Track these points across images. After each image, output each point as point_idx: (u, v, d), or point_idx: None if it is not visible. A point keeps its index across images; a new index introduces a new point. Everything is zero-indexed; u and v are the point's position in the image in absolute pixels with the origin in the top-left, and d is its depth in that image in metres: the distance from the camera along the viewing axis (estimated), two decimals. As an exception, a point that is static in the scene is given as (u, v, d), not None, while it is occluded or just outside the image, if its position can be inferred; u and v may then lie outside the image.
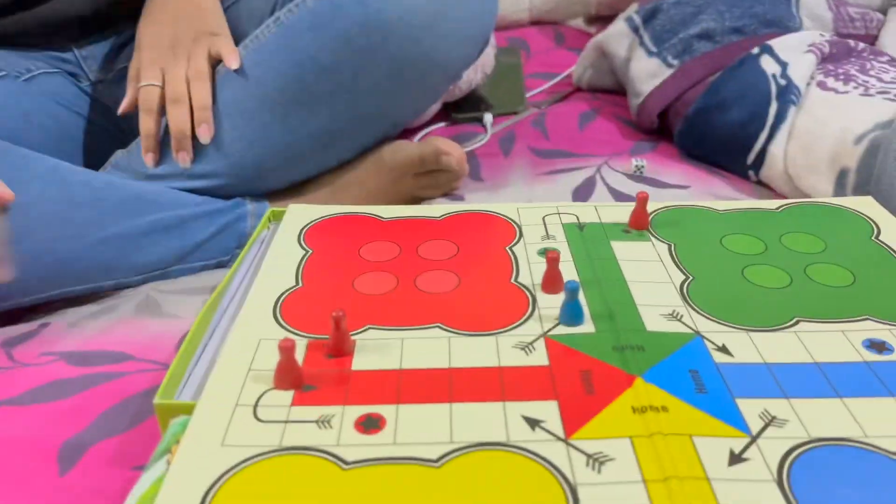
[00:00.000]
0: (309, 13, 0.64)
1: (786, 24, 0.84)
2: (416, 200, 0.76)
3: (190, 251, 0.66)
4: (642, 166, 0.75)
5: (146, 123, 0.66)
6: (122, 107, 0.67)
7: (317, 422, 0.37)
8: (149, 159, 0.67)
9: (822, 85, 0.73)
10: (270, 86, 0.66)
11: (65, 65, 0.76)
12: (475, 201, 0.73)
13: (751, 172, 0.74)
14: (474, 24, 0.68)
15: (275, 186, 0.71)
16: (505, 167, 0.79)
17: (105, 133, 0.78)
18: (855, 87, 0.72)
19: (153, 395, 0.48)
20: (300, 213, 0.58)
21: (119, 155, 0.72)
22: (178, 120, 0.65)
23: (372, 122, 0.70)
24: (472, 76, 0.89)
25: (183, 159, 0.66)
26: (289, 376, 0.39)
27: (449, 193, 0.76)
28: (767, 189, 0.74)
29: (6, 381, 0.51)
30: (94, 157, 0.75)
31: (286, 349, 0.39)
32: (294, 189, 0.74)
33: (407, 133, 0.88)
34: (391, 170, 0.72)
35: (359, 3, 0.63)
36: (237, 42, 0.70)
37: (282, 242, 0.54)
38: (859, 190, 0.65)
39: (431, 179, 0.74)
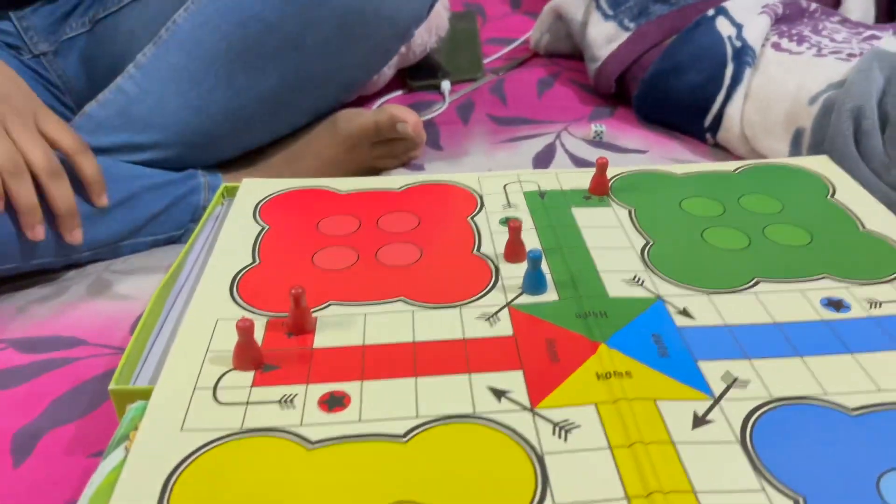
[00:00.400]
0: None
1: (740, -15, 0.84)
2: (374, 171, 0.74)
3: (141, 225, 0.64)
4: (601, 132, 0.74)
5: (16, 195, 0.54)
6: None
7: (279, 402, 0.37)
8: (36, 234, 0.56)
9: (776, 46, 0.73)
10: (214, 48, 0.64)
11: (5, 36, 0.73)
12: (435, 171, 0.73)
13: (708, 135, 0.75)
14: None
15: (227, 155, 0.69)
16: (464, 135, 0.78)
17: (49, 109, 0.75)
18: (808, 48, 0.72)
19: (108, 380, 0.46)
20: (255, 188, 0.56)
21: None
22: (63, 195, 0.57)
23: (322, 83, 0.69)
24: (426, 39, 0.88)
25: (36, 234, 0.56)
26: (248, 356, 0.38)
27: (408, 163, 0.75)
28: (725, 151, 0.74)
29: (-47, 371, 0.49)
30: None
31: (244, 329, 0.38)
32: (247, 159, 0.72)
33: (363, 102, 0.87)
34: (346, 138, 0.71)
35: None
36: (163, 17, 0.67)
37: (237, 218, 0.52)
38: (814, 150, 0.66)
39: (388, 148, 0.73)
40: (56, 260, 0.60)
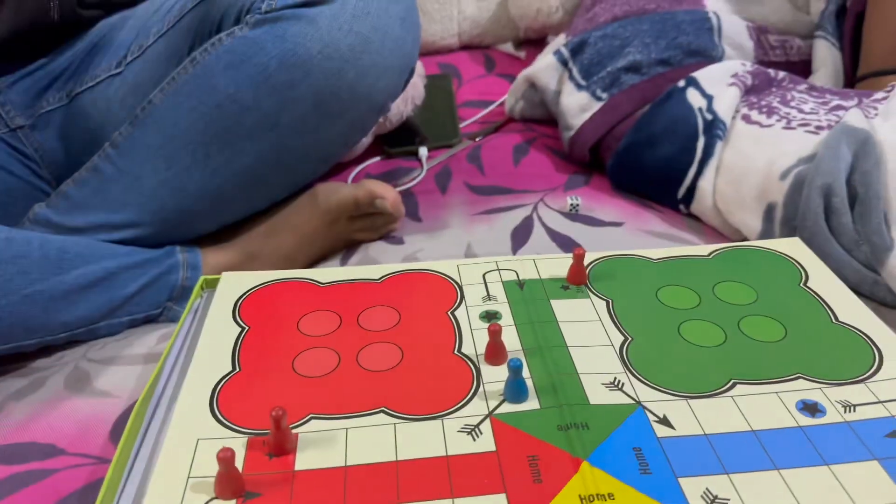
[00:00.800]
0: (225, 52, 0.63)
1: (709, 54, 0.86)
2: (353, 243, 0.75)
3: (118, 305, 0.63)
4: (577, 205, 0.75)
5: None
6: None
7: (262, 536, 0.36)
8: None
9: (746, 118, 0.75)
10: (190, 128, 0.64)
11: None
12: (415, 244, 0.73)
13: (681, 206, 0.76)
14: (397, 55, 0.67)
15: (204, 231, 0.69)
16: (442, 206, 0.79)
17: (23, 183, 0.75)
18: (778, 120, 0.74)
19: (88, 494, 0.46)
20: (234, 283, 0.56)
21: (38, 209, 0.69)
22: None
23: (299, 159, 0.69)
24: (403, 108, 0.88)
25: None
26: (230, 486, 0.38)
27: (386, 236, 0.75)
28: (699, 221, 0.75)
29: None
30: (13, 210, 0.71)
31: (225, 460, 0.38)
32: (226, 233, 0.72)
33: (340, 168, 0.87)
34: (325, 212, 0.71)
35: (277, 38, 0.61)
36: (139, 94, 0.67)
37: (216, 319, 0.52)
38: (786, 224, 0.67)
39: (367, 222, 0.73)
40: (32, 342, 0.60)
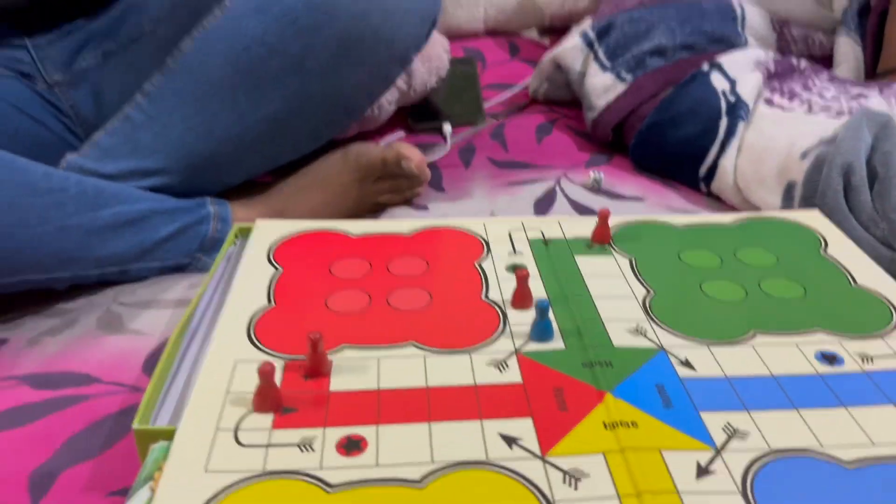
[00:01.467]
0: None
1: (733, 42, 0.87)
2: (379, 207, 0.76)
3: (149, 248, 0.65)
4: (599, 179, 0.77)
5: None
6: None
7: (298, 445, 0.38)
8: None
9: (768, 102, 0.77)
10: (217, 73, 0.66)
11: (21, 65, 0.74)
12: (439, 212, 0.75)
13: (702, 185, 0.77)
14: (419, 1, 0.69)
15: (232, 181, 0.71)
16: (466, 178, 0.80)
17: (57, 138, 0.77)
18: (800, 105, 0.75)
19: (123, 418, 0.48)
20: (267, 230, 0.58)
21: (70, 157, 0.71)
22: None
23: (323, 106, 0.70)
24: (426, 78, 0.90)
25: None
26: (268, 400, 0.40)
27: (411, 202, 0.77)
28: (718, 201, 0.77)
29: (-35, 408, 0.50)
30: (45, 163, 0.74)
31: (266, 373, 0.39)
32: (256, 190, 0.74)
33: (365, 138, 0.88)
34: (354, 170, 0.73)
35: None
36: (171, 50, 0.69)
37: (251, 261, 0.54)
38: (805, 202, 0.68)
39: (393, 184, 0.75)
40: (65, 275, 0.61)
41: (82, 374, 0.53)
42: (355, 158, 0.74)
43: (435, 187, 0.79)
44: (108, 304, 0.62)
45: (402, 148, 0.74)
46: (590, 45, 0.88)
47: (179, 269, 0.68)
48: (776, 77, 0.80)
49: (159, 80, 0.70)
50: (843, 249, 0.56)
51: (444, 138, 0.88)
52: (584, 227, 0.59)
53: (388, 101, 0.87)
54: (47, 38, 0.77)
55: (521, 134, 0.88)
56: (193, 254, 0.68)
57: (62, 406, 0.49)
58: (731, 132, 0.75)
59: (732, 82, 0.78)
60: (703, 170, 0.76)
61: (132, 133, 0.70)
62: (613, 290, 0.51)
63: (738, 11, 0.89)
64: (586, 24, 0.91)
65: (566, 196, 0.75)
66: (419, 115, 0.92)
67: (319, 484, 0.36)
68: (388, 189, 0.76)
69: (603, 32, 0.88)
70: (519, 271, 0.49)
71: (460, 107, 0.94)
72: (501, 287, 0.51)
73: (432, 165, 0.83)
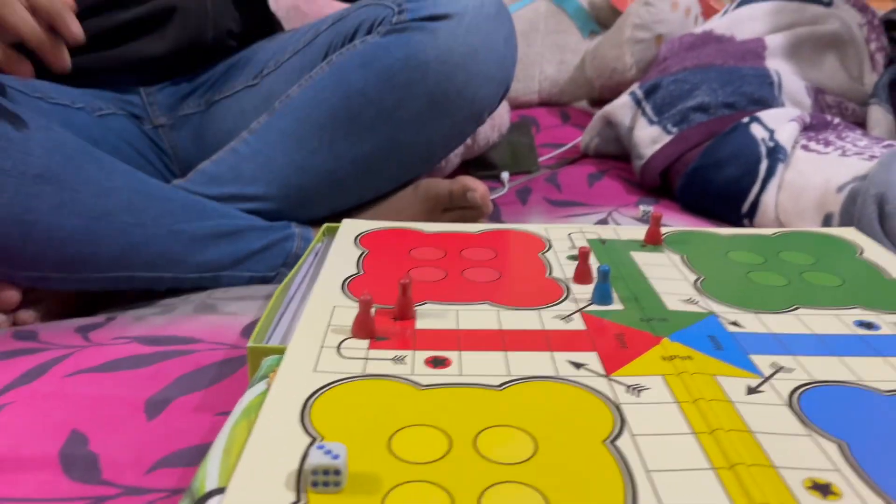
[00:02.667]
0: (359, 54, 0.74)
1: (771, 104, 0.95)
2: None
3: (242, 259, 0.72)
4: (649, 211, 0.83)
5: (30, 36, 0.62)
6: None
7: (392, 359, 0.43)
8: (61, 64, 0.65)
9: (805, 147, 0.83)
10: (321, 116, 0.75)
11: (131, 107, 0.85)
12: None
13: (745, 221, 0.83)
14: (499, 67, 0.78)
15: (319, 213, 0.79)
16: (523, 213, 0.87)
17: (156, 174, 0.87)
18: (834, 150, 0.82)
19: (228, 364, 0.54)
20: (354, 225, 0.65)
21: (175, 182, 0.80)
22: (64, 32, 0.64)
23: (408, 152, 0.79)
24: (490, 134, 0.99)
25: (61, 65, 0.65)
26: (365, 326, 0.46)
27: (474, 233, 0.84)
28: (760, 236, 0.82)
29: (85, 356, 0.56)
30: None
31: (365, 302, 0.45)
32: (334, 219, 0.81)
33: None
34: (423, 202, 0.80)
35: (403, 45, 0.73)
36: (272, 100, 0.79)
37: (340, 243, 0.61)
38: (842, 232, 0.73)
39: (458, 215, 0.82)
40: (168, 275, 0.69)
41: (186, 337, 0.59)
42: (424, 191, 0.82)
43: (494, 220, 0.86)
44: (203, 299, 0.69)
45: (467, 181, 0.82)
46: (638, 102, 0.97)
47: (265, 281, 0.75)
48: (812, 128, 0.87)
49: (266, 119, 0.79)
50: (879, 254, 0.61)
51: (503, 183, 0.96)
52: (638, 232, 0.65)
53: (455, 154, 0.96)
54: (158, 87, 0.88)
55: (574, 180, 0.96)
56: (278, 268, 0.76)
57: (171, 357, 0.55)
58: (770, 173, 0.81)
59: (771, 131, 0.85)
60: (745, 207, 0.82)
61: (237, 163, 0.79)
62: (667, 274, 0.57)
63: (775, 78, 0.97)
64: (635, 86, 1.00)
65: (617, 224, 0.82)
66: (479, 166, 1.01)
67: (411, 384, 0.41)
68: (455, 219, 0.83)
69: (650, 91, 0.96)
70: (581, 249, 0.55)
71: (517, 158, 1.02)
72: (564, 270, 0.57)
73: (492, 203, 0.90)
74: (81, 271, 0.64)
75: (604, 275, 0.51)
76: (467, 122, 0.81)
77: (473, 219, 0.83)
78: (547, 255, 0.60)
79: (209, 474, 0.34)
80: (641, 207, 0.84)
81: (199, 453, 0.44)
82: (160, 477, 0.43)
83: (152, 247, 0.68)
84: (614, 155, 1.04)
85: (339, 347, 0.44)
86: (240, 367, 0.53)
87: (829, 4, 1.08)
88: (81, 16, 0.76)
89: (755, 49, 1.00)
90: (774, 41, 1.01)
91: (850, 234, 0.66)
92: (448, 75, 0.74)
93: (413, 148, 0.79)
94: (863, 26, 1.07)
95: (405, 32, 0.74)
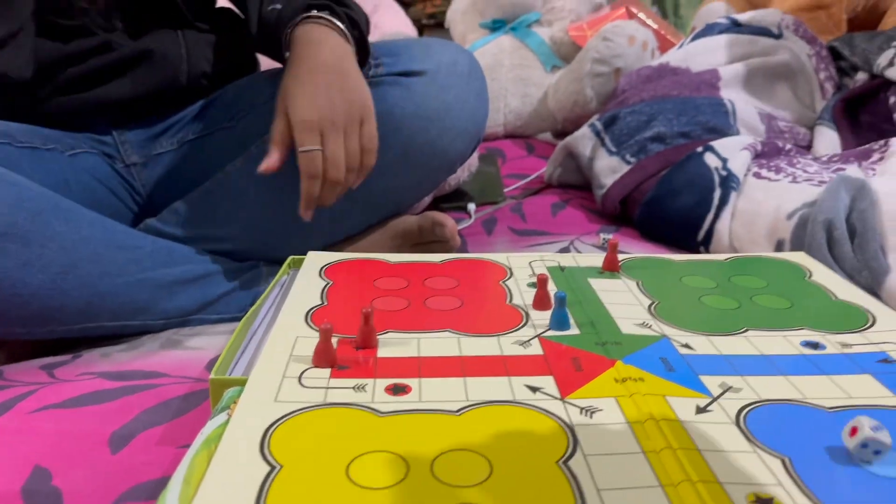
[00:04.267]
0: None
1: (725, 132, 0.98)
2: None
3: (211, 302, 0.73)
4: (609, 239, 0.85)
5: (309, 188, 0.67)
6: (264, 166, 0.68)
7: (353, 388, 0.44)
8: (307, 215, 0.69)
9: (757, 175, 0.86)
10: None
11: (103, 146, 0.85)
12: (463, 269, 0.82)
13: (701, 248, 0.85)
14: (471, 122, 0.80)
15: (288, 254, 0.80)
16: (489, 243, 0.89)
17: (129, 212, 0.87)
18: (785, 176, 0.85)
19: (192, 398, 0.54)
20: (318, 257, 0.66)
21: (148, 221, 0.80)
22: (328, 194, 0.69)
23: (379, 200, 0.80)
24: (460, 174, 1.01)
25: (308, 216, 0.69)
26: (326, 356, 0.46)
27: (439, 264, 0.85)
28: (717, 261, 0.84)
29: (50, 392, 0.56)
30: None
31: (325, 331, 0.46)
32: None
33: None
34: (392, 238, 0.81)
35: (379, 98, 0.74)
36: (247, 142, 0.81)
37: (305, 275, 0.62)
38: (794, 256, 0.76)
39: (427, 249, 0.83)
40: (136, 323, 0.69)
41: (152, 371, 0.59)
42: (393, 229, 0.83)
43: (461, 250, 0.88)
44: (170, 335, 0.70)
45: (435, 216, 0.84)
46: (597, 133, 1.00)
47: (234, 321, 0.75)
48: (763, 156, 0.91)
49: (241, 163, 0.80)
50: (827, 277, 0.64)
51: (469, 214, 0.98)
52: (596, 259, 0.67)
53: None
54: (130, 127, 0.88)
55: (538, 209, 0.98)
56: (247, 308, 0.76)
57: (136, 391, 0.56)
58: (724, 201, 0.84)
59: (724, 160, 0.88)
60: (700, 234, 0.85)
61: (210, 205, 0.80)
62: (622, 300, 0.58)
63: (730, 106, 1.00)
64: (595, 118, 1.03)
65: (578, 252, 0.84)
66: (447, 198, 1.03)
67: (371, 411, 0.42)
68: (423, 253, 0.84)
69: (609, 123, 0.99)
70: (540, 276, 0.56)
71: (484, 190, 1.04)
72: (524, 297, 0.59)
73: (458, 234, 0.92)
74: (47, 325, 0.64)
75: (560, 301, 0.52)
76: (439, 172, 0.83)
77: (442, 252, 0.84)
78: (508, 282, 0.62)
79: (169, 505, 0.35)
80: (601, 235, 0.87)
81: (162, 486, 0.44)
82: (123, 511, 0.43)
83: (119, 297, 0.67)
84: (577, 185, 1.06)
85: (300, 377, 0.45)
86: (204, 399, 0.53)
87: (779, 37, 1.12)
88: (64, 63, 0.77)
89: (710, 80, 1.04)
90: (728, 72, 1.05)
91: (800, 258, 0.68)
92: (422, 129, 0.76)
93: (385, 194, 0.81)
94: (812, 57, 1.11)
95: (381, 86, 0.76)
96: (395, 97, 0.75)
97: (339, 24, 0.71)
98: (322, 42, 0.70)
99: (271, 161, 0.68)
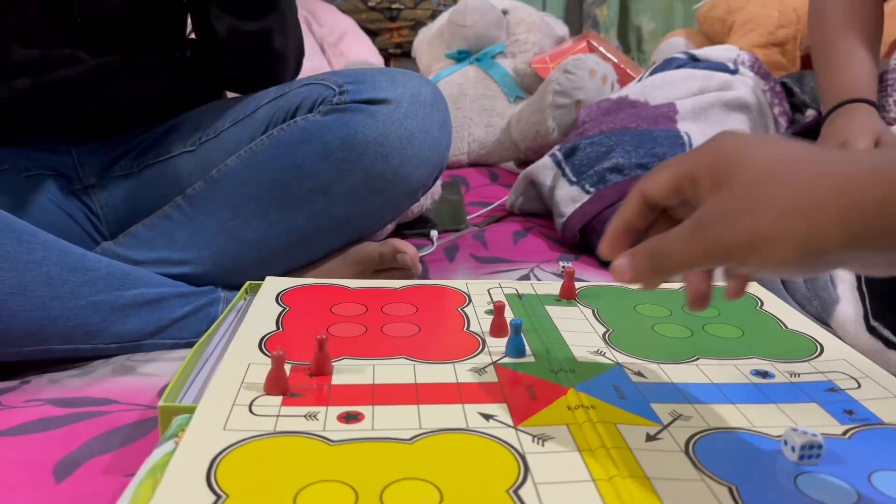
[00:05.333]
0: (299, 130, 0.76)
1: (682, 163, 1.01)
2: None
3: (165, 327, 0.72)
4: (567, 267, 0.86)
5: None
6: None
7: (304, 416, 0.44)
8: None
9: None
10: (255, 187, 0.76)
11: (61, 167, 0.84)
12: (424, 296, 0.83)
13: (660, 276, 0.87)
14: (433, 150, 0.81)
15: (247, 279, 0.79)
16: (450, 269, 0.89)
17: (84, 235, 0.85)
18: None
19: (141, 426, 0.53)
20: (276, 283, 0.66)
21: (105, 244, 0.79)
22: None
23: (341, 226, 0.80)
24: (423, 202, 1.02)
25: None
26: (278, 383, 0.46)
27: (400, 291, 0.85)
28: (674, 290, 0.85)
29: (-6, 420, 0.54)
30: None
31: (277, 358, 0.46)
32: None
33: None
34: (352, 265, 0.81)
35: (343, 125, 0.75)
36: (209, 167, 0.80)
37: (261, 301, 0.61)
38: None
39: (388, 277, 0.83)
40: (87, 347, 0.67)
41: (101, 398, 0.58)
42: (353, 256, 0.83)
43: (423, 277, 0.88)
44: (123, 361, 0.68)
45: (396, 243, 0.84)
46: (558, 163, 1.01)
47: (188, 346, 0.74)
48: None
49: (201, 187, 0.79)
50: (777, 307, 0.65)
51: (432, 241, 0.98)
52: (554, 287, 0.67)
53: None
54: (91, 147, 0.87)
55: (499, 237, 0.99)
56: (202, 333, 0.75)
57: (84, 418, 0.54)
58: (682, 230, 0.86)
59: (682, 191, 0.90)
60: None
61: (170, 229, 0.79)
62: (578, 327, 0.59)
63: (686, 139, 1.03)
64: (555, 148, 1.05)
65: (538, 280, 0.84)
66: (409, 224, 1.03)
67: (322, 440, 0.41)
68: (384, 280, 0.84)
69: (569, 153, 1.01)
70: (496, 303, 0.57)
71: (446, 217, 1.05)
72: (481, 323, 0.59)
73: (420, 261, 0.92)
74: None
75: (516, 328, 0.53)
76: (401, 199, 0.83)
77: (402, 279, 0.84)
78: (465, 309, 0.62)
79: (110, 536, 0.34)
80: (560, 263, 0.87)
81: (106, 517, 0.43)
82: (64, 543, 0.42)
83: (70, 320, 0.66)
84: (538, 213, 1.07)
85: (250, 405, 0.44)
86: (154, 427, 0.52)
87: (734, 72, 1.16)
88: (33, 69, 0.76)
89: (667, 113, 1.06)
90: (685, 105, 1.08)
91: (752, 287, 0.70)
92: (385, 156, 0.77)
93: (347, 221, 0.81)
94: (766, 92, 1.15)
95: (345, 113, 0.76)
96: (359, 124, 0.76)
97: None
98: None
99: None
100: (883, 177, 0.33)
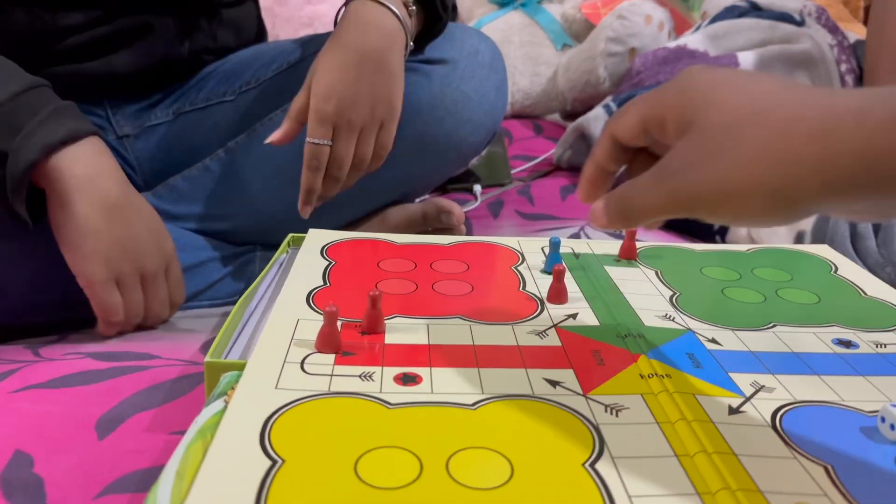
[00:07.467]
0: None
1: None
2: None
3: (202, 290, 0.70)
4: (622, 226, 0.82)
5: (311, 181, 0.65)
6: (274, 138, 0.65)
7: (359, 376, 0.41)
8: (305, 212, 0.67)
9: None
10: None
11: (95, 118, 0.81)
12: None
13: (717, 237, 0.82)
14: (489, 115, 0.77)
15: (281, 241, 0.76)
16: (495, 226, 0.86)
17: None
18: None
19: (184, 382, 0.51)
20: (320, 236, 0.63)
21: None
22: (327, 189, 0.66)
23: (388, 187, 0.77)
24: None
25: (305, 213, 0.67)
26: (331, 340, 0.43)
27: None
28: (733, 252, 0.81)
29: (34, 371, 0.53)
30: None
31: (330, 314, 0.43)
32: None
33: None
34: (396, 226, 0.78)
35: None
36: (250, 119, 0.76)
37: (306, 254, 0.59)
38: (815, 249, 0.73)
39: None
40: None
41: (142, 353, 0.56)
42: (396, 215, 0.79)
43: (466, 233, 0.84)
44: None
45: (441, 202, 0.80)
46: (611, 113, 0.96)
47: (225, 305, 0.72)
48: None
49: (245, 141, 0.76)
50: (853, 272, 0.61)
51: (475, 196, 0.95)
52: (612, 247, 0.63)
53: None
54: (123, 98, 0.84)
55: (546, 192, 0.95)
56: (239, 294, 0.72)
57: (125, 372, 0.52)
58: (743, 188, 0.81)
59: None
60: (716, 224, 0.82)
61: (209, 182, 0.76)
62: (642, 290, 0.55)
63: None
64: (609, 98, 1.00)
65: (590, 238, 0.80)
66: (452, 179, 0.99)
67: (380, 402, 0.39)
68: None
69: (624, 103, 0.96)
70: (556, 266, 0.53)
71: (490, 171, 1.01)
72: (538, 285, 0.55)
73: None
74: (34, 315, 0.62)
75: (555, 245, 0.50)
76: (452, 164, 0.79)
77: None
78: (520, 268, 0.58)
79: (160, 500, 0.32)
80: (614, 221, 0.83)
81: (151, 477, 0.41)
82: (109, 503, 0.40)
83: None
84: (587, 168, 1.03)
85: (302, 363, 0.42)
86: (197, 383, 0.50)
87: (801, 24, 1.09)
88: (61, 33, 0.73)
89: (728, 65, 1.00)
90: (747, 58, 1.01)
91: (823, 251, 0.65)
92: (438, 119, 0.73)
93: (396, 183, 0.77)
94: (833, 47, 1.08)
95: None
96: (414, 83, 0.71)
97: (394, 9, 0.66)
98: (370, 25, 0.65)
99: (281, 135, 0.65)
100: (868, 119, 0.29)
